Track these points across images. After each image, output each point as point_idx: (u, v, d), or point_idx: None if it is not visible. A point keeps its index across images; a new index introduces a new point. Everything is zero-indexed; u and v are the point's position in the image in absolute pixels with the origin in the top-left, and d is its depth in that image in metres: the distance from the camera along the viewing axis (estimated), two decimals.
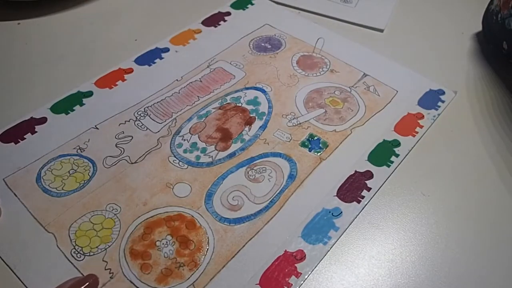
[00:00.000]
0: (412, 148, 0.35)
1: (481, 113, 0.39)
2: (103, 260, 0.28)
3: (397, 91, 0.40)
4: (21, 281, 0.27)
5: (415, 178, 0.34)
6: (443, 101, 0.39)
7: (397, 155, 0.35)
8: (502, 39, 0.41)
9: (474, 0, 0.50)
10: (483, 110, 0.39)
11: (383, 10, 0.49)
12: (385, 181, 0.33)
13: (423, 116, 0.38)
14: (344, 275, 0.28)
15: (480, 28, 0.46)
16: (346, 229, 0.30)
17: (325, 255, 0.29)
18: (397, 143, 0.36)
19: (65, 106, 0.37)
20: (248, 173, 0.33)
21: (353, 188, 0.32)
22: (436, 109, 0.38)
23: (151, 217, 0.30)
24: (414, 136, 0.36)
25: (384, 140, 0.36)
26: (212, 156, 0.34)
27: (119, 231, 0.30)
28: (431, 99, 0.39)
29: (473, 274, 0.29)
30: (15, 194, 0.31)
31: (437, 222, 0.31)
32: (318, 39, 0.45)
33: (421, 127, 0.37)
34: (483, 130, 0.37)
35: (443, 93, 0.40)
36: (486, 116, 0.38)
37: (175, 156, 0.34)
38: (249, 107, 0.38)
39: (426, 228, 0.31)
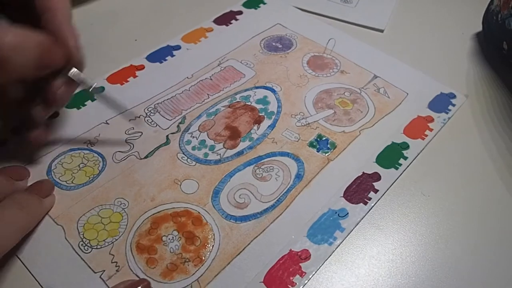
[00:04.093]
0: (421, 151, 0.35)
1: (482, 113, 0.38)
2: (110, 253, 0.28)
3: (407, 94, 0.40)
4: (29, 271, 0.27)
5: (415, 178, 0.34)
6: (454, 105, 0.39)
7: (405, 158, 0.35)
8: (502, 39, 0.41)
9: (474, 0, 0.49)
10: (483, 111, 0.39)
11: (383, 10, 0.49)
12: (393, 183, 0.33)
13: (433, 119, 0.37)
14: (344, 275, 0.28)
15: (480, 28, 0.46)
16: (352, 230, 0.30)
17: (330, 255, 0.29)
18: (406, 146, 0.35)
19: (77, 101, 0.38)
20: (255, 171, 0.33)
21: (360, 190, 0.32)
22: (447, 113, 0.38)
23: (158, 212, 0.31)
24: (423, 139, 0.36)
25: (393, 142, 0.36)
26: (220, 154, 0.34)
27: (127, 225, 0.30)
28: (441, 103, 0.39)
29: (473, 274, 0.29)
30: None
31: (438, 222, 0.31)
32: (329, 40, 0.45)
33: (431, 130, 0.37)
34: (483, 131, 0.37)
35: (454, 96, 0.39)
36: (486, 117, 0.38)
37: (183, 153, 0.34)
38: (258, 106, 0.38)
39: (426, 228, 0.31)
